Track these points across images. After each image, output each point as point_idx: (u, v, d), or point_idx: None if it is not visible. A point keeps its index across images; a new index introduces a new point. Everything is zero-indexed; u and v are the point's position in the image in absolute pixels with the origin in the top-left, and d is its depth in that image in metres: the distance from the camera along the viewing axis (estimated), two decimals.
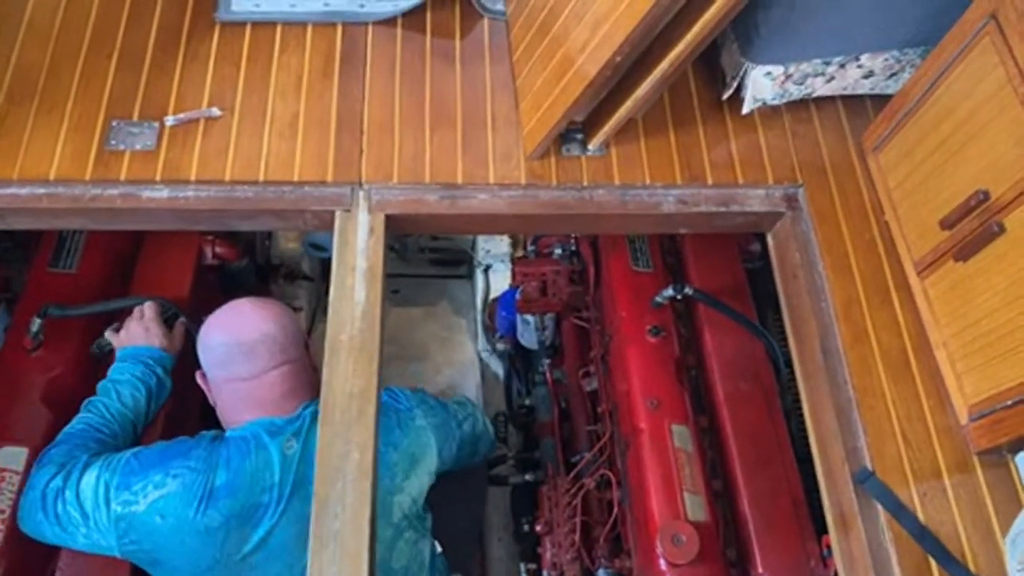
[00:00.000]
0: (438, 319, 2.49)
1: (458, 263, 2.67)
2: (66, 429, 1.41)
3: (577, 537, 1.59)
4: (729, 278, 1.81)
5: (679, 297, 1.67)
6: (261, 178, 1.38)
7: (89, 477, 1.29)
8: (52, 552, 1.42)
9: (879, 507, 1.22)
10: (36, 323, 1.49)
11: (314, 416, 1.30)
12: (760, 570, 1.46)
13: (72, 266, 1.68)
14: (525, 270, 1.88)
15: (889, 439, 1.26)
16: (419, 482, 1.44)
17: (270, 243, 2.27)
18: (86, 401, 1.47)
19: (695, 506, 1.49)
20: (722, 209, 1.46)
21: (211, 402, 1.45)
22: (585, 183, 1.43)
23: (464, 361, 2.35)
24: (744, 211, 1.46)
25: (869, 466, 1.24)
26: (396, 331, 2.42)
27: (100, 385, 1.49)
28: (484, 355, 2.38)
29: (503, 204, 1.42)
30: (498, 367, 2.42)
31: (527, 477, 1.94)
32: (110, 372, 1.50)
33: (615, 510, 1.60)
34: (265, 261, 2.25)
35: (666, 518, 1.46)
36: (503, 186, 1.42)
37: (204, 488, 1.27)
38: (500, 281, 2.42)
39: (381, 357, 1.29)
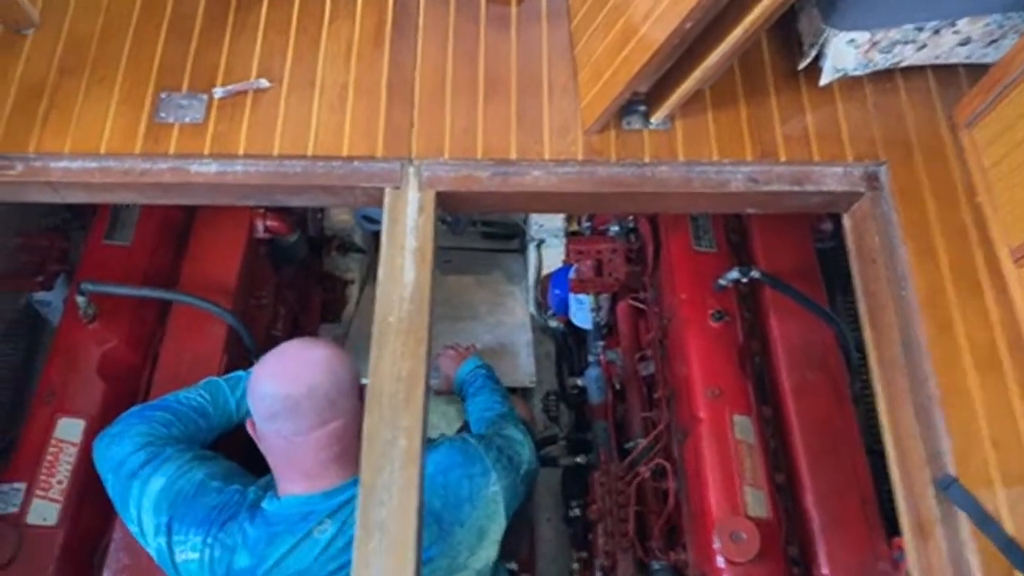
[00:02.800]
0: (490, 287, 2.46)
1: (511, 237, 2.61)
2: (176, 397, 1.38)
3: (631, 528, 1.54)
4: (799, 259, 1.71)
5: (744, 280, 1.58)
6: (310, 152, 1.34)
7: (156, 485, 1.26)
8: (109, 524, 1.44)
9: (962, 516, 1.12)
10: (81, 298, 1.49)
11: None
12: (825, 571, 1.39)
13: (127, 239, 1.68)
14: (579, 248, 1.81)
15: (975, 442, 1.16)
16: (486, 554, 1.31)
17: (322, 215, 2.26)
18: (211, 379, 1.44)
19: (756, 501, 1.41)
20: (795, 188, 1.35)
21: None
22: (647, 159, 1.34)
23: (515, 322, 2.32)
24: (819, 190, 1.36)
25: (952, 471, 1.15)
26: (447, 295, 2.40)
27: (235, 375, 1.47)
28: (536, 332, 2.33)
29: (558, 181, 1.34)
30: (549, 345, 2.37)
31: (578, 459, 1.90)
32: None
33: (671, 501, 1.54)
34: (318, 233, 2.24)
35: (725, 513, 1.39)
36: (559, 162, 1.34)
37: (226, 568, 1.21)
38: (553, 256, 2.36)
39: (431, 340, 1.24)
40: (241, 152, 1.34)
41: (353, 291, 2.29)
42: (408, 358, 1.21)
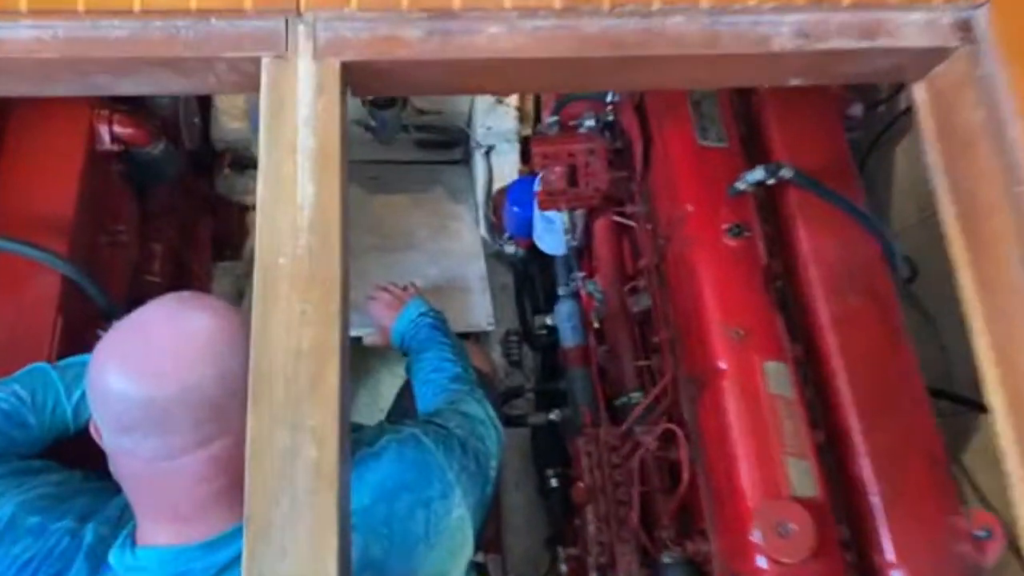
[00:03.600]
0: (429, 207, 2.02)
1: (451, 145, 2.15)
2: None
3: (635, 514, 1.19)
4: (830, 153, 1.32)
5: (772, 182, 1.19)
6: (137, 6, 0.86)
7: None
8: None
9: None
10: None
11: None
12: (890, 557, 1.07)
13: None
14: (547, 150, 1.38)
15: None
16: None
17: (209, 121, 1.76)
18: (37, 367, 1.00)
19: (802, 476, 1.07)
20: (861, 45, 0.94)
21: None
22: (655, 5, 0.91)
23: (464, 250, 1.90)
24: (894, 47, 0.95)
25: None
26: (375, 220, 1.96)
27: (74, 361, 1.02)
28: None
29: (526, 42, 0.90)
30: (506, 275, 1.97)
31: (551, 416, 1.53)
32: None
33: (684, 477, 1.18)
34: (200, 144, 1.74)
35: (763, 495, 1.05)
36: (526, 12, 0.90)
37: None
38: (506, 166, 1.94)
39: (347, 287, 0.82)
40: (25, 7, 0.85)
41: (254, 217, 1.82)
42: (312, 320, 0.78)
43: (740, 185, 1.20)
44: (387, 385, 1.98)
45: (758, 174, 1.18)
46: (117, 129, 1.27)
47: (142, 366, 0.79)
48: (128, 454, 0.81)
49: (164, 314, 0.84)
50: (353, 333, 1.62)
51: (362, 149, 2.07)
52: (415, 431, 0.94)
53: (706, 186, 1.25)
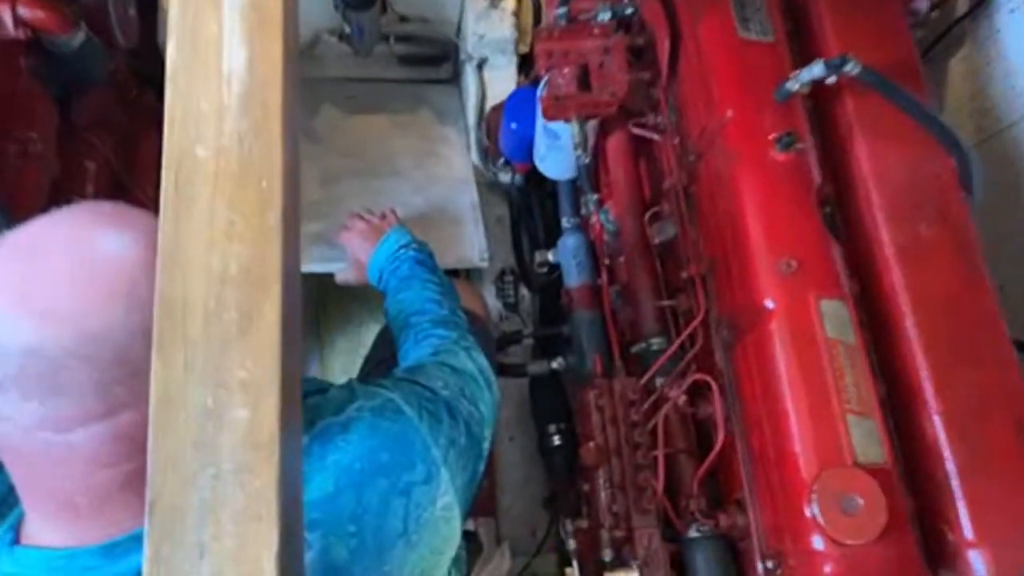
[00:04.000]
0: (414, 130, 1.79)
1: (438, 60, 1.91)
2: None
3: (660, 483, 1.00)
4: (893, 52, 1.10)
5: (831, 81, 0.97)
6: None
7: None
8: None
9: None
10: None
11: None
12: (969, 535, 0.88)
13: None
14: (553, 47, 1.14)
15: None
16: None
17: (156, 25, 1.50)
18: None
19: (867, 439, 0.88)
20: None
21: None
22: None
23: (454, 177, 1.68)
24: None
25: None
26: (353, 142, 1.73)
27: None
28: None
29: None
30: (501, 206, 1.75)
31: (553, 365, 1.34)
32: None
33: (720, 438, 0.99)
34: (151, 53, 1.49)
35: (822, 462, 0.86)
36: None
37: None
38: (500, 82, 1.70)
39: (293, 193, 0.60)
40: None
41: None
42: (244, 234, 0.56)
43: (792, 85, 0.98)
44: (370, 332, 1.79)
45: (816, 70, 0.96)
46: (22, 11, 1.03)
47: (26, 301, 0.56)
48: (3, 419, 0.59)
49: (66, 231, 0.60)
50: (323, 269, 1.41)
51: (337, 64, 1.83)
52: (393, 396, 0.73)
53: (749, 88, 1.03)
